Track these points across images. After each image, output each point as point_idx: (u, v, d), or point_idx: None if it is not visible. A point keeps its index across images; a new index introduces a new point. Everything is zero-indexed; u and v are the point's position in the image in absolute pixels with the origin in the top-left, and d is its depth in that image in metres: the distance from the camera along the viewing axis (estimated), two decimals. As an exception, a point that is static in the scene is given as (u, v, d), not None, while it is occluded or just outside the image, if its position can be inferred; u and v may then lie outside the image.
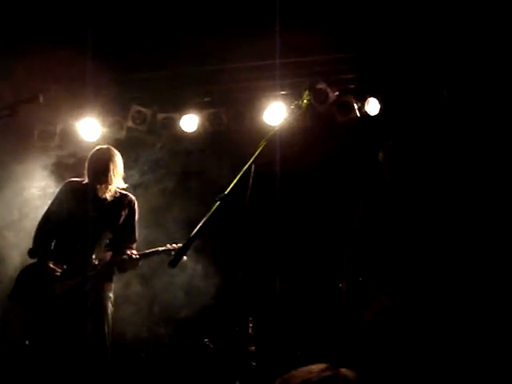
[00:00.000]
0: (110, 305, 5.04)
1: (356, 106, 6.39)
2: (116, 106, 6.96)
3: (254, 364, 6.07)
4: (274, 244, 6.28)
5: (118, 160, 5.23)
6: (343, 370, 2.06)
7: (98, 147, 5.35)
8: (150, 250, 5.09)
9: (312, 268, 6.41)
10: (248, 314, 6.43)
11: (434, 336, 4.56)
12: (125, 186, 5.26)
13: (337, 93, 6.41)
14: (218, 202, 3.74)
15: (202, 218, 3.73)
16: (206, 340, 6.35)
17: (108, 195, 5.15)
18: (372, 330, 4.65)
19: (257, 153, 3.97)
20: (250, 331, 6.39)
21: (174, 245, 5.05)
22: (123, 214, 5.18)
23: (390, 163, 4.92)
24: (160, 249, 5.08)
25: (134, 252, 5.03)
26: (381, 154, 5.00)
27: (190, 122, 6.77)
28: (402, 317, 4.55)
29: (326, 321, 5.99)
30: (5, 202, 6.33)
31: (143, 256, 5.07)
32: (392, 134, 6.37)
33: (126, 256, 5.01)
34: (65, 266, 4.98)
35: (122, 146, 6.22)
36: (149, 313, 6.53)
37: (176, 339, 6.54)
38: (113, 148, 5.32)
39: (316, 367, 2.07)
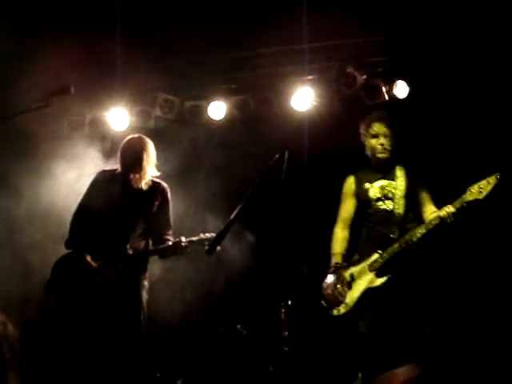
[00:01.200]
0: (144, 294, 5.08)
1: (384, 90, 6.35)
2: (143, 95, 6.97)
3: (286, 349, 6.09)
4: (303, 229, 6.28)
5: (151, 148, 5.25)
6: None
7: (129, 136, 5.38)
8: (190, 239, 5.08)
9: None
10: (280, 299, 6.45)
11: None
12: (158, 174, 5.29)
13: (365, 76, 6.37)
14: (252, 190, 3.76)
15: (236, 206, 3.75)
16: (238, 326, 6.38)
17: (142, 184, 5.17)
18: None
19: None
20: (283, 316, 6.42)
21: (208, 234, 5.06)
22: (156, 202, 5.20)
23: None
24: (194, 238, 5.09)
25: (182, 239, 5.04)
26: None
27: (217, 110, 6.77)
28: None
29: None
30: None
31: (190, 243, 5.06)
32: (421, 118, 6.39)
33: (171, 243, 5.04)
34: (100, 260, 5.02)
35: (151, 134, 6.27)
36: (181, 298, 6.56)
37: (209, 325, 6.57)
38: (144, 137, 5.34)
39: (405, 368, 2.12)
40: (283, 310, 6.40)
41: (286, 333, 6.38)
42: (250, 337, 6.28)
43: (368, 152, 5.32)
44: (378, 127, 5.26)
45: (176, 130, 6.96)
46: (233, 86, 6.80)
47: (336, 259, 5.27)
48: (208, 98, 6.81)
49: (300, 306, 6.29)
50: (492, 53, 6.08)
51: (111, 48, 6.25)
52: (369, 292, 5.02)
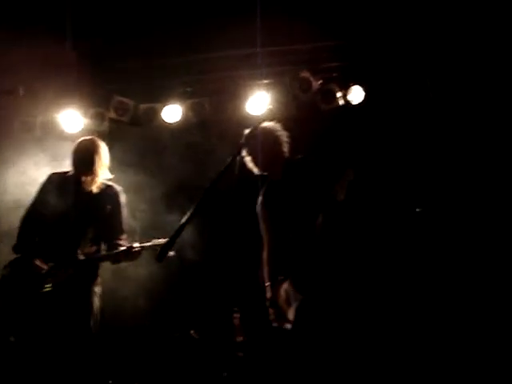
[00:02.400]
0: (96, 300, 5.00)
1: (339, 95, 6.37)
2: (98, 97, 6.88)
3: (240, 354, 6.07)
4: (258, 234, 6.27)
5: (103, 151, 5.17)
6: None
7: (82, 138, 5.29)
8: (143, 244, 5.01)
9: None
10: (234, 304, 6.43)
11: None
12: (110, 176, 5.21)
13: (320, 81, 6.38)
14: (203, 195, 3.72)
15: (187, 212, 3.71)
16: (192, 331, 6.34)
17: (94, 187, 5.09)
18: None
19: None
20: (237, 322, 6.39)
21: (161, 239, 5.00)
22: (109, 206, 5.11)
23: None
24: (147, 244, 5.02)
25: (135, 245, 4.97)
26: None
27: (172, 113, 6.71)
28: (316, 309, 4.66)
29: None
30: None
31: (142, 249, 4.99)
32: (375, 122, 6.43)
33: (123, 248, 4.95)
34: (50, 263, 4.93)
35: (105, 137, 6.18)
36: (134, 304, 6.49)
37: (162, 331, 6.52)
38: (97, 139, 5.26)
39: None
40: (238, 315, 6.40)
41: (241, 338, 6.37)
42: (204, 342, 6.25)
43: None
44: None
45: (130, 133, 6.87)
46: (188, 89, 6.74)
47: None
48: (163, 100, 6.74)
49: (255, 311, 6.27)
50: (445, 59, 6.14)
51: (65, 49, 6.16)
52: None
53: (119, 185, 5.27)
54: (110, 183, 5.21)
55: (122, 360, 6.25)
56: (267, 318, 5.08)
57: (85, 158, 5.10)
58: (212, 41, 6.23)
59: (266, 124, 4.91)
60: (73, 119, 6.76)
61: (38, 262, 4.91)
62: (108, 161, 5.21)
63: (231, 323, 6.36)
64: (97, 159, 5.09)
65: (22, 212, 5.20)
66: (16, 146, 6.65)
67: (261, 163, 4.86)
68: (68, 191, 5.05)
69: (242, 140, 4.02)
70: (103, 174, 5.16)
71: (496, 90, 6.02)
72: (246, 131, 4.11)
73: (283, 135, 4.98)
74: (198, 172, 6.20)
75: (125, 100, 6.76)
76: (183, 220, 3.68)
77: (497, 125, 6.08)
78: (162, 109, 6.75)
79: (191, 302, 6.54)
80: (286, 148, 4.95)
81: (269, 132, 4.89)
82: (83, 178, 5.11)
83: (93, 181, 5.09)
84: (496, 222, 5.99)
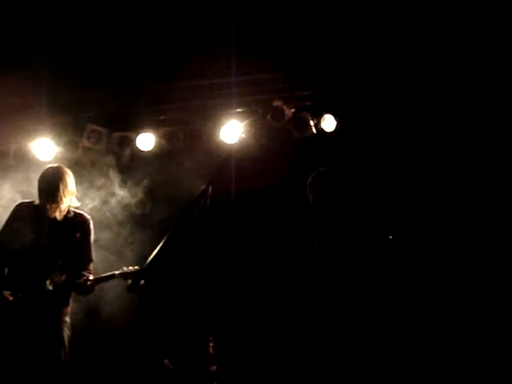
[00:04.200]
0: (66, 330, 4.94)
1: (312, 123, 6.43)
2: (71, 126, 6.87)
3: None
4: (230, 262, 6.27)
5: (69, 178, 5.14)
6: None
7: (47, 166, 5.27)
8: (106, 274, 5.00)
9: (268, 285, 6.42)
10: (208, 333, 6.40)
11: None
12: (78, 204, 5.18)
13: (293, 110, 6.43)
14: (174, 226, 3.73)
15: (159, 242, 3.72)
16: (165, 360, 6.29)
17: (59, 215, 5.05)
18: None
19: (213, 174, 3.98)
20: (211, 351, 6.36)
21: (131, 267, 4.98)
22: (77, 234, 5.08)
23: (317, 189, 5.11)
24: (116, 272, 5.00)
25: (90, 277, 4.94)
26: (310, 178, 5.17)
27: (146, 141, 6.71)
28: None
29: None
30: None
31: (99, 280, 4.98)
32: (348, 150, 6.50)
33: (80, 280, 4.91)
34: (19, 295, 4.86)
35: (78, 165, 6.17)
36: (107, 334, 6.44)
37: (136, 360, 6.46)
38: (63, 166, 5.24)
39: None
40: (211, 344, 6.36)
41: (215, 367, 6.33)
42: (178, 372, 6.20)
43: None
44: None
45: (104, 161, 6.85)
46: (162, 118, 6.76)
47: None
48: (137, 129, 6.75)
49: (228, 340, 6.26)
50: (417, 86, 6.23)
51: (38, 78, 6.16)
52: None
53: (89, 213, 5.27)
54: (78, 211, 5.18)
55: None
56: (241, 346, 5.09)
57: (50, 185, 5.07)
58: (185, 70, 6.27)
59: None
60: (46, 147, 6.73)
61: (5, 294, 4.85)
62: (74, 188, 5.18)
63: (205, 352, 6.33)
64: (62, 187, 5.06)
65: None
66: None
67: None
68: (35, 221, 5.01)
69: (213, 171, 4.05)
70: (69, 201, 5.13)
71: (467, 117, 6.12)
72: (218, 162, 4.14)
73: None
74: (170, 200, 6.20)
75: (98, 128, 6.74)
76: (156, 250, 3.68)
77: (468, 152, 6.17)
78: (135, 137, 6.74)
79: (165, 331, 6.49)
80: None
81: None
82: (48, 206, 5.07)
83: (57, 208, 5.05)
84: (470, 249, 6.06)
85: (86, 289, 4.95)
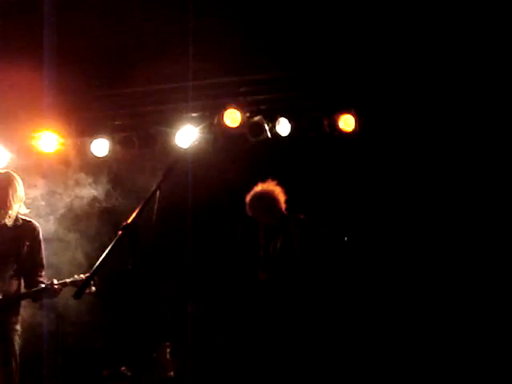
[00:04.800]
0: (17, 338, 4.87)
1: (267, 127, 6.43)
2: (26, 131, 6.79)
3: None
4: (185, 268, 6.26)
5: (18, 184, 5.06)
6: None
7: None
8: (64, 281, 4.94)
9: (223, 289, 6.42)
10: (165, 339, 6.37)
11: None
12: (27, 211, 5.12)
13: (248, 114, 6.43)
14: (121, 231, 3.70)
15: (106, 248, 3.69)
16: (123, 368, 6.25)
17: (8, 221, 4.97)
18: None
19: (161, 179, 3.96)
20: (168, 356, 6.34)
21: (82, 275, 4.93)
22: (27, 242, 5.00)
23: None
24: (67, 280, 4.94)
25: (55, 281, 4.88)
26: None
27: (100, 147, 6.67)
28: None
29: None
30: None
31: (63, 285, 4.92)
32: (303, 153, 6.53)
33: (44, 285, 4.86)
34: None
35: (31, 171, 6.10)
36: (62, 341, 6.37)
37: (92, 368, 6.41)
38: (13, 172, 5.16)
39: None
40: (168, 350, 6.34)
41: (172, 373, 6.32)
42: (135, 378, 6.15)
43: None
44: None
45: (59, 167, 6.79)
46: (117, 123, 6.71)
47: None
48: (91, 134, 6.69)
49: (185, 345, 6.24)
50: (372, 90, 6.27)
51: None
52: None
53: (38, 221, 5.21)
54: (28, 218, 5.11)
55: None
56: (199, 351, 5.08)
57: None
58: (140, 74, 6.24)
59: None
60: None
61: None
62: (23, 195, 5.12)
63: (163, 358, 6.31)
64: (10, 192, 4.99)
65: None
66: None
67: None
68: None
69: (163, 175, 4.02)
70: (18, 207, 5.06)
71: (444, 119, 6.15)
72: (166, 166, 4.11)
73: None
74: (124, 205, 6.16)
75: (52, 134, 6.68)
76: (102, 256, 3.65)
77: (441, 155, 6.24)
78: (90, 143, 6.69)
79: (121, 338, 6.44)
80: None
81: None
82: None
83: (6, 214, 4.98)
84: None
85: (50, 293, 4.88)
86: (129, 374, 6.18)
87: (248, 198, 5.53)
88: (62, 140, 6.70)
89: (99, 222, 6.55)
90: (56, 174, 6.58)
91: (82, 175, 6.59)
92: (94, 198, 6.60)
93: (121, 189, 6.56)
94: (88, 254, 6.07)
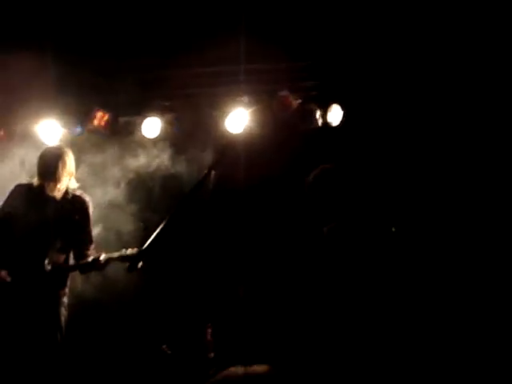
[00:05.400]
0: (63, 310, 4.96)
1: (318, 114, 6.40)
2: (78, 109, 6.87)
3: (212, 371, 6.04)
4: (237, 249, 6.26)
5: (68, 158, 5.14)
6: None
7: (48, 146, 5.29)
8: (112, 255, 4.99)
9: (273, 274, 6.41)
10: (207, 319, 6.40)
11: None
12: (76, 185, 5.18)
13: (299, 100, 6.41)
14: (176, 209, 3.74)
15: (160, 224, 3.72)
16: (163, 346, 6.30)
17: (57, 194, 5.06)
18: None
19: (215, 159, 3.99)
20: (209, 337, 6.36)
21: (130, 250, 4.97)
22: (77, 215, 5.09)
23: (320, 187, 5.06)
24: (116, 254, 4.99)
25: (103, 256, 4.93)
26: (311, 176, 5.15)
27: (151, 126, 6.71)
28: None
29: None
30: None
31: (110, 260, 4.97)
32: (354, 142, 6.48)
33: (92, 258, 4.92)
34: (17, 274, 4.87)
35: (82, 148, 6.17)
36: (106, 318, 6.45)
37: (134, 345, 6.48)
38: (64, 147, 5.25)
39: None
40: (210, 331, 6.37)
41: (212, 354, 6.34)
42: (176, 358, 6.20)
43: None
44: None
45: (108, 145, 6.85)
46: (168, 104, 6.75)
47: None
48: (143, 114, 6.74)
49: (227, 327, 6.26)
50: (423, 75, 6.19)
51: (43, 61, 6.15)
52: None
53: (91, 195, 5.27)
54: (78, 192, 5.18)
55: (90, 374, 6.19)
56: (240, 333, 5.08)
57: (49, 164, 5.09)
58: (193, 56, 6.26)
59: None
60: (51, 130, 6.73)
61: (3, 274, 4.86)
62: (74, 169, 5.19)
63: (204, 339, 6.34)
64: (61, 166, 5.06)
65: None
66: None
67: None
68: (34, 201, 5.02)
69: (215, 157, 4.05)
70: (68, 181, 5.13)
71: (469, 108, 6.10)
72: (220, 146, 4.14)
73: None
74: (174, 186, 6.19)
75: (104, 112, 6.74)
76: (156, 232, 3.69)
77: (474, 143, 6.16)
78: (141, 122, 6.74)
79: (164, 316, 6.50)
80: None
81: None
82: (47, 186, 5.07)
83: (55, 187, 5.06)
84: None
85: (96, 267, 4.93)
86: (169, 352, 6.24)
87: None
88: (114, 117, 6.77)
89: (159, 193, 6.57)
90: (113, 147, 6.62)
91: (139, 149, 6.65)
92: (140, 176, 6.66)
93: (169, 169, 6.58)
94: (145, 226, 6.09)
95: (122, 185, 6.44)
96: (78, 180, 5.23)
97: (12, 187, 5.22)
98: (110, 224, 6.07)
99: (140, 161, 6.59)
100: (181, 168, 6.39)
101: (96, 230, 5.29)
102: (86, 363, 6.14)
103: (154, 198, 6.56)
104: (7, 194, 5.22)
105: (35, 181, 5.13)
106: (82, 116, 6.75)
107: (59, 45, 6.11)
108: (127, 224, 6.32)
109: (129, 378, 6.21)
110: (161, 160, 6.65)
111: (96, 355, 6.25)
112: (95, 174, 6.00)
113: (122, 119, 6.79)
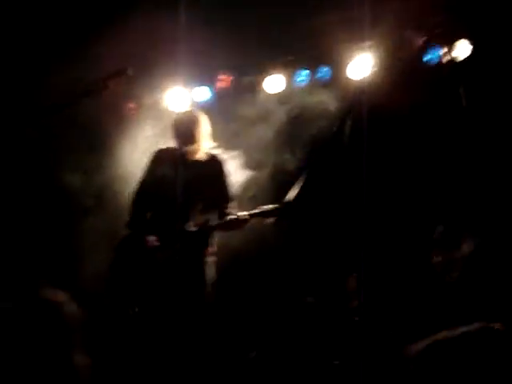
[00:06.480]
0: (208, 270, 5.07)
1: (444, 50, 6.19)
2: (203, 74, 6.99)
3: (356, 319, 6.07)
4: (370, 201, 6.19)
5: (203, 120, 5.24)
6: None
7: (180, 112, 5.40)
8: (252, 212, 5.05)
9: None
10: (351, 269, 6.40)
11: None
12: (214, 145, 5.28)
13: (424, 38, 6.22)
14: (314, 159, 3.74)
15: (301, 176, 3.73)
16: (308, 298, 6.38)
17: (198, 157, 5.17)
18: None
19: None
20: (353, 285, 6.37)
21: (270, 206, 4.98)
22: (215, 174, 5.19)
23: None
24: (256, 211, 5.03)
25: (244, 213, 5.01)
26: None
27: (275, 83, 6.74)
28: None
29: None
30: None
31: (252, 216, 5.04)
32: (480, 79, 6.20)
33: (232, 217, 5.02)
34: (164, 238, 5.05)
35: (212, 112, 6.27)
36: (250, 271, 6.58)
37: (278, 298, 6.59)
38: (196, 110, 5.36)
39: None
40: (353, 280, 6.37)
41: (356, 303, 6.36)
42: (320, 307, 6.27)
43: None
44: None
45: (235, 105, 6.93)
46: (290, 58, 6.73)
47: None
48: (265, 71, 6.77)
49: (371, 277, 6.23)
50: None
51: (170, 29, 6.25)
52: None
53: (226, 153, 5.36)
54: (214, 152, 5.28)
55: (238, 328, 6.35)
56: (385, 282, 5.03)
57: (185, 129, 5.20)
58: (312, 7, 6.18)
59: None
60: (180, 97, 6.89)
61: (150, 238, 5.04)
62: (209, 130, 5.28)
63: (346, 288, 6.36)
64: (197, 129, 5.17)
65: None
66: (128, 122, 6.84)
67: None
68: (175, 164, 5.15)
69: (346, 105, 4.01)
70: (206, 143, 5.23)
71: None
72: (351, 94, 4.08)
73: None
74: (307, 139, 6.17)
75: (228, 73, 6.83)
76: (297, 186, 3.71)
77: None
78: (263, 80, 6.78)
79: (307, 267, 6.56)
80: None
81: None
82: (186, 149, 5.19)
83: (196, 150, 5.17)
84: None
85: (238, 225, 5.04)
86: (313, 302, 6.31)
87: None
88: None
89: (281, 151, 6.60)
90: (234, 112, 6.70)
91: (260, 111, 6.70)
92: (272, 130, 6.67)
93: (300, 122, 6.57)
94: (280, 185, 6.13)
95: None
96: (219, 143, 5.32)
97: (150, 154, 5.39)
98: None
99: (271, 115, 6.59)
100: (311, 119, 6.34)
101: (237, 188, 5.36)
102: (234, 318, 6.31)
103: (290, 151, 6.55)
104: (146, 162, 5.40)
105: (173, 145, 5.27)
106: (207, 80, 6.89)
107: (186, 9, 6.15)
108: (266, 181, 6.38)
109: (274, 329, 6.34)
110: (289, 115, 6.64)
111: (242, 309, 6.40)
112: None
113: (245, 78, 6.86)
